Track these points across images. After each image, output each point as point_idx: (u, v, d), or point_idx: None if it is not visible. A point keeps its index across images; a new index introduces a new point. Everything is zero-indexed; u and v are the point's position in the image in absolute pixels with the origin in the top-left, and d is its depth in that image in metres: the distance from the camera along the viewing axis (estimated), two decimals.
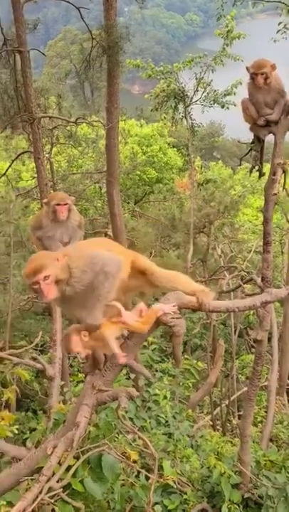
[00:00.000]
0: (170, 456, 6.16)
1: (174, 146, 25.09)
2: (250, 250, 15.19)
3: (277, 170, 5.14)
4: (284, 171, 5.18)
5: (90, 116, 14.47)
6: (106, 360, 3.35)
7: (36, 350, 11.13)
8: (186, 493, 5.65)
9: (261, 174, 5.84)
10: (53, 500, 3.16)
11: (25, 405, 11.62)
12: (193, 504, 5.61)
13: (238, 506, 5.53)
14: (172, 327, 3.18)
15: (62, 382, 6.97)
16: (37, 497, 3.06)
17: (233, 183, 21.64)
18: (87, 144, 18.12)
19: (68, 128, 12.98)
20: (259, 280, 5.56)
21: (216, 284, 16.17)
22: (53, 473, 3.18)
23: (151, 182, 24.60)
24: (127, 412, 6.23)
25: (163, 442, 6.38)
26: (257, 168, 5.75)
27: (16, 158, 12.77)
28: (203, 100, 15.48)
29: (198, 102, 15.48)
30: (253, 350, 8.11)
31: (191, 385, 9.71)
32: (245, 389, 7.16)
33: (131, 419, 6.39)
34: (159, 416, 7.01)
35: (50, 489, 3.12)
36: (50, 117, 11.48)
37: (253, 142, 5.58)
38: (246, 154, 6.01)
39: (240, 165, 18.06)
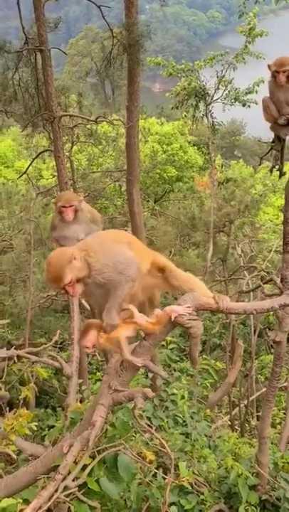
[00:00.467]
0: (187, 456, 6.15)
1: (194, 145, 25.04)
2: (271, 250, 15.03)
3: None
4: None
5: (110, 115, 14.52)
6: (122, 361, 3.35)
7: (56, 347, 11.20)
8: (203, 494, 5.62)
9: (282, 174, 5.76)
10: (68, 499, 3.18)
11: (44, 402, 11.70)
12: (210, 505, 5.58)
13: (256, 508, 5.49)
14: (189, 328, 3.16)
15: (81, 380, 7.00)
16: (52, 495, 3.07)
17: (254, 182, 21.46)
18: (108, 142, 18.14)
19: (89, 126, 13.00)
20: (279, 281, 5.50)
21: (235, 284, 16.10)
22: (69, 472, 3.19)
23: (171, 180, 24.56)
24: (144, 411, 6.23)
25: (180, 442, 6.37)
26: (277, 167, 5.68)
27: (37, 156, 12.84)
28: (224, 98, 15.35)
29: (219, 100, 15.35)
30: (273, 350, 8.04)
31: (209, 384, 9.67)
32: (265, 390, 7.10)
33: (148, 418, 6.39)
34: (176, 415, 7.00)
35: (65, 488, 3.13)
36: (70, 116, 11.50)
37: (273, 141, 5.51)
38: (267, 153, 5.95)
39: (260, 164, 17.92)
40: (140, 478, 4.43)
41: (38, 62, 8.88)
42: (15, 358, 5.15)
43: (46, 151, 12.07)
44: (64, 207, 5.14)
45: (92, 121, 10.98)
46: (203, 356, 9.99)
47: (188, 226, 17.71)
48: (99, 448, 3.53)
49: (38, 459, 3.67)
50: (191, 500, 5.51)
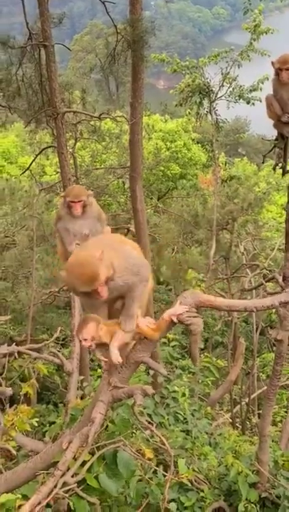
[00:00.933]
0: (188, 453, 6.16)
1: (198, 142, 24.93)
2: (274, 248, 15.01)
3: None
4: None
5: (114, 111, 14.47)
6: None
7: (58, 344, 11.22)
8: (203, 491, 5.64)
9: (285, 171, 5.74)
10: (67, 495, 3.19)
11: (46, 398, 11.74)
12: (210, 502, 5.60)
13: (255, 506, 5.50)
14: (189, 325, 3.15)
15: (82, 377, 7.00)
16: (52, 491, 3.08)
17: (258, 180, 21.41)
18: (111, 138, 18.09)
19: (92, 123, 12.98)
20: (281, 279, 5.50)
21: (238, 282, 16.08)
22: (68, 468, 3.20)
23: (174, 178, 24.52)
24: (145, 408, 6.24)
25: (181, 439, 6.38)
26: (281, 165, 5.66)
27: (40, 152, 12.82)
28: (229, 96, 15.29)
29: (223, 98, 15.30)
30: (274, 348, 8.03)
31: (210, 382, 9.68)
32: (266, 387, 7.10)
33: (149, 415, 6.40)
34: (177, 413, 7.02)
35: (64, 484, 3.14)
36: (74, 112, 11.48)
37: (276, 139, 5.50)
38: (270, 151, 5.93)
39: (263, 162, 17.86)
40: (140, 475, 4.44)
41: (42, 57, 8.84)
42: (15, 354, 5.15)
43: (49, 147, 12.06)
44: (73, 202, 5.12)
45: (95, 117, 10.95)
46: (205, 354, 10.00)
47: (191, 224, 17.67)
48: (98, 444, 3.53)
49: (37, 455, 3.68)
50: (191, 497, 5.53)
